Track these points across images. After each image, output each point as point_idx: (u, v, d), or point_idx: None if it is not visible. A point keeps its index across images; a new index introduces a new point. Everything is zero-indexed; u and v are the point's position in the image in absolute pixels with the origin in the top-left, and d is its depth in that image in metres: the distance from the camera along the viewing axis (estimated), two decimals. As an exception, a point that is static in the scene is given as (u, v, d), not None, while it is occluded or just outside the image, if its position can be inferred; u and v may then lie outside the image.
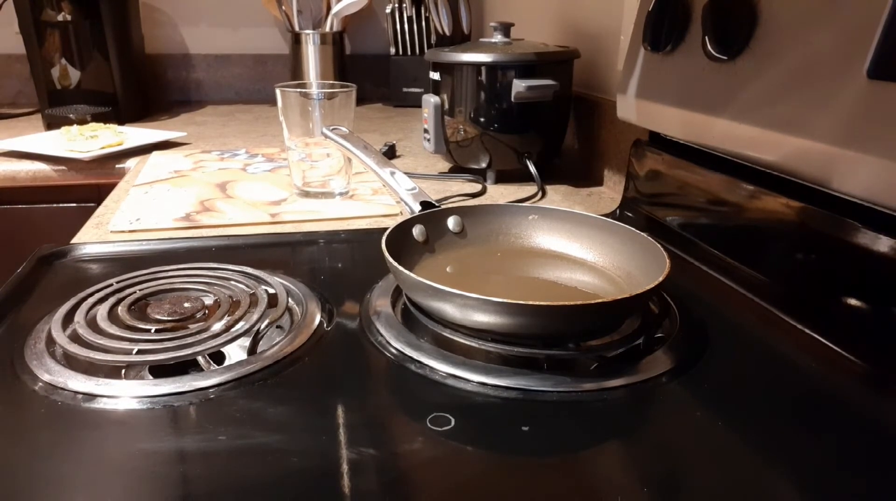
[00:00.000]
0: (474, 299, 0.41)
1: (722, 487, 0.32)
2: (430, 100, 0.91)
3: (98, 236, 0.69)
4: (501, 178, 0.91)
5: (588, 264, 0.56)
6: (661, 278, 0.44)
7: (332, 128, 0.71)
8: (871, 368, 0.42)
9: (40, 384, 0.40)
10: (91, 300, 0.49)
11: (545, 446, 0.35)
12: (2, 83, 1.56)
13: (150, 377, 0.42)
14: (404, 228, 0.55)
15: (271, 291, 0.51)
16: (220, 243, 0.65)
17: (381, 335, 0.46)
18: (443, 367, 0.42)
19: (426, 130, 0.94)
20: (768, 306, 0.51)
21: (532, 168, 0.87)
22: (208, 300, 0.50)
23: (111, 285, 0.52)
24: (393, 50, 1.56)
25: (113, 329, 0.45)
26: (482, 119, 0.86)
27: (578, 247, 0.57)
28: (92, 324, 0.45)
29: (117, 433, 0.36)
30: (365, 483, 0.32)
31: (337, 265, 0.61)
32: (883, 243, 0.42)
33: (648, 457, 0.35)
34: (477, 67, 0.85)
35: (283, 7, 1.49)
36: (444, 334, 0.45)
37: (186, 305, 0.48)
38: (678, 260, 0.61)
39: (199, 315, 0.48)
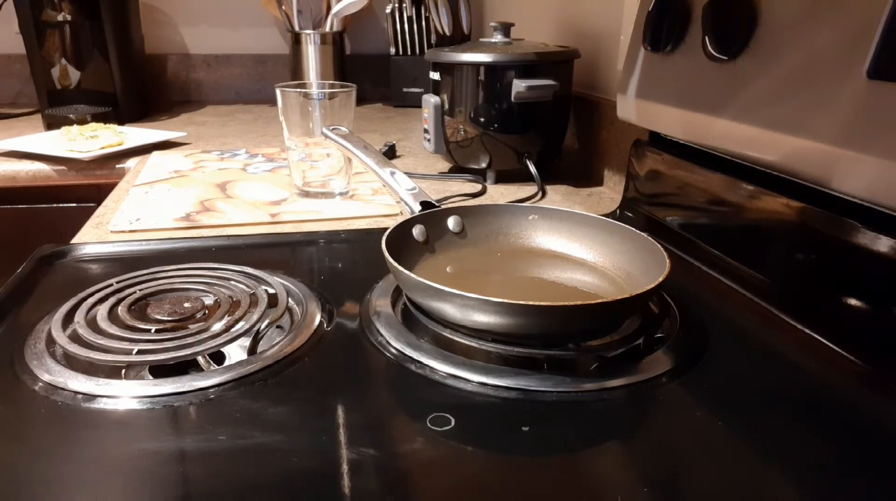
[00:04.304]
0: (474, 299, 0.41)
1: (722, 487, 0.32)
2: (430, 100, 0.91)
3: (98, 236, 0.69)
4: (501, 178, 0.91)
5: (588, 264, 0.56)
6: (661, 279, 0.44)
7: (332, 128, 0.71)
8: (871, 368, 0.42)
9: (40, 384, 0.40)
10: (91, 300, 0.49)
11: (545, 446, 0.35)
12: (2, 83, 1.56)
13: (150, 377, 0.42)
14: (404, 228, 0.55)
15: (271, 291, 0.51)
16: (220, 243, 0.65)
17: (381, 335, 0.46)
18: (443, 367, 0.42)
19: (426, 130, 0.94)
20: (768, 306, 0.51)
21: (532, 168, 0.87)
22: (208, 300, 0.50)
23: (111, 285, 0.52)
24: (393, 50, 1.56)
25: (113, 329, 0.45)
26: (482, 119, 0.86)
27: (578, 247, 0.57)
28: (92, 324, 0.45)
29: (117, 433, 0.36)
30: (365, 483, 0.32)
31: (337, 265, 0.61)
32: (883, 243, 0.42)
33: (648, 457, 0.35)
34: (477, 67, 0.85)
35: (283, 7, 1.49)
36: (444, 334, 0.45)
37: (186, 305, 0.48)
38: (678, 260, 0.61)
39: (199, 315, 0.48)
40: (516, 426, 0.37)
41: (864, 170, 0.42)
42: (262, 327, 0.47)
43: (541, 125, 0.88)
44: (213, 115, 1.48)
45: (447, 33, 1.36)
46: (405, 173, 0.63)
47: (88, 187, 1.07)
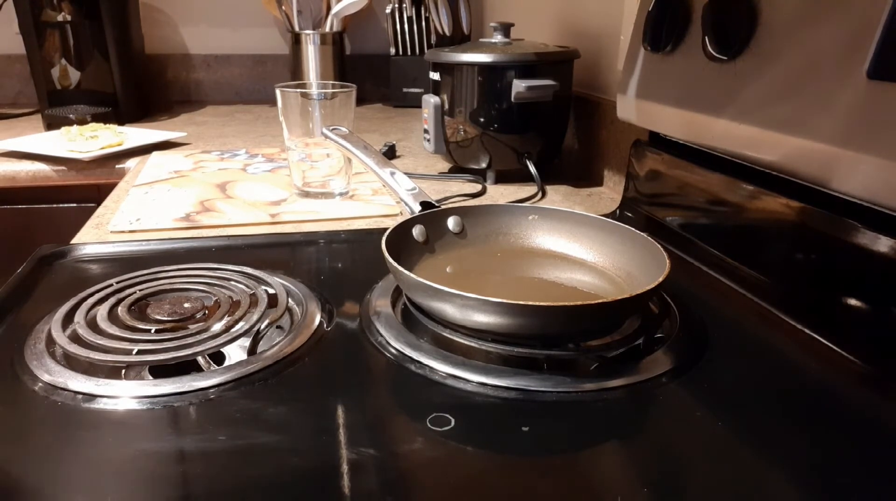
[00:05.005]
0: (474, 299, 0.41)
1: (722, 487, 0.32)
2: (430, 100, 0.91)
3: (98, 237, 0.69)
4: (501, 178, 0.91)
5: (588, 264, 0.56)
6: (661, 279, 0.44)
7: (332, 128, 0.71)
8: (871, 368, 0.42)
9: (40, 384, 0.40)
10: (91, 301, 0.49)
11: (545, 446, 0.35)
12: (2, 83, 1.56)
13: (150, 378, 0.42)
14: (404, 228, 0.55)
15: (271, 291, 0.51)
16: (220, 244, 0.65)
17: (381, 336, 0.46)
18: (443, 367, 0.42)
19: (426, 131, 0.94)
20: (768, 307, 0.51)
21: (532, 168, 0.87)
22: (208, 301, 0.50)
23: (111, 285, 0.52)
24: (393, 50, 1.56)
25: (113, 330, 0.45)
26: (482, 119, 0.86)
27: (578, 247, 0.57)
28: (92, 324, 0.45)
29: (117, 433, 0.36)
30: (365, 483, 0.32)
31: (337, 265, 0.61)
32: (883, 243, 0.42)
33: (648, 457, 0.35)
34: (477, 67, 0.85)
35: (283, 7, 1.49)
36: (444, 334, 0.45)
37: (186, 305, 0.48)
38: (678, 260, 0.61)
39: (199, 316, 0.48)
40: (516, 426, 0.37)
41: (864, 170, 0.42)
42: (262, 327, 0.47)
43: (541, 125, 0.88)
44: (213, 115, 1.48)
45: (447, 33, 1.36)
46: (405, 173, 0.63)
47: (88, 187, 1.07)
